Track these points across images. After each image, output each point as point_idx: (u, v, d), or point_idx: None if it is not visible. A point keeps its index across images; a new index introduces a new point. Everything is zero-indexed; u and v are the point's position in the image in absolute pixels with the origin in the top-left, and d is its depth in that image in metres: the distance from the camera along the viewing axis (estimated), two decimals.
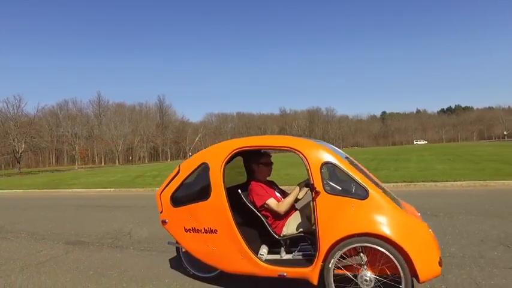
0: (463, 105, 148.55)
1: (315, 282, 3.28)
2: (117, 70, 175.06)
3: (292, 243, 3.82)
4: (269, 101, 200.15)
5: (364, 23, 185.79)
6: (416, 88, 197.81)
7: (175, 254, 4.61)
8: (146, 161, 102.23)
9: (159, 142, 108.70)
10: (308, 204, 3.81)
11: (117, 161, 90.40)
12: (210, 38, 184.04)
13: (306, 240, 3.85)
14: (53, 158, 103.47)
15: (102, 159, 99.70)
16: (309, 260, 3.51)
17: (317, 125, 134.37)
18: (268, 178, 4.12)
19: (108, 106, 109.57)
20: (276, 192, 3.94)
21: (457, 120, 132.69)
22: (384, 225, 3.08)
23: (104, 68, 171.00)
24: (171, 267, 4.81)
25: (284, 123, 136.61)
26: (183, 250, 4.36)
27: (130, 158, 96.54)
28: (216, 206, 3.64)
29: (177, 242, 4.26)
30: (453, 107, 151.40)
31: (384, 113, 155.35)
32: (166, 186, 4.02)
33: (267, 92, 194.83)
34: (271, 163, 4.05)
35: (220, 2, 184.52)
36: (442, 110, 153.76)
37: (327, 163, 3.34)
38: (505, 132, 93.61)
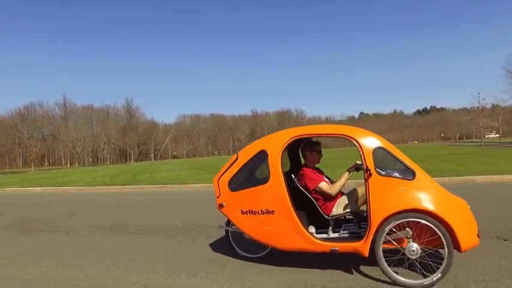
0: (438, 107, 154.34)
1: (366, 254, 3.73)
2: (87, 72, 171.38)
3: (336, 224, 4.25)
4: (243, 102, 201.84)
5: (343, 24, 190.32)
6: (395, 89, 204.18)
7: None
8: (109, 162, 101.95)
9: (121, 143, 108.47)
10: (353, 189, 4.28)
11: (76, 163, 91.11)
12: (183, 38, 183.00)
13: (349, 221, 4.30)
14: (6, 160, 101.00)
15: (68, 161, 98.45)
16: (356, 236, 3.96)
17: (287, 126, 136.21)
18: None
19: (74, 108, 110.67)
20: (324, 177, 4.38)
21: (423, 122, 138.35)
22: (429, 202, 3.58)
23: (74, 70, 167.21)
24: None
25: (255, 124, 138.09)
26: (232, 233, 4.73)
27: (91, 160, 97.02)
28: (275, 189, 4.03)
29: (227, 225, 4.63)
30: (428, 108, 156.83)
31: (361, 113, 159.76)
32: (224, 172, 4.38)
33: (241, 93, 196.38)
34: (321, 151, 4.49)
35: (192, 1, 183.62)
36: (418, 111, 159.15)
37: (378, 148, 3.81)
38: (443, 135, 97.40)
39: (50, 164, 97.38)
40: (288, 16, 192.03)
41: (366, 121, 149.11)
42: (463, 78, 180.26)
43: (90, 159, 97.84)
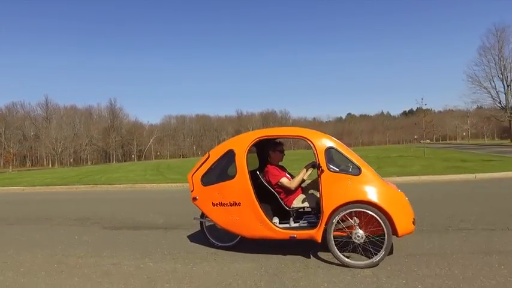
0: (424, 108, 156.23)
1: (319, 240, 4.30)
2: (72, 73, 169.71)
3: (297, 215, 4.82)
4: (229, 102, 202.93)
5: (332, 25, 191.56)
6: (383, 90, 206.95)
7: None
8: (90, 163, 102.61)
9: (101, 144, 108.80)
10: (311, 183, 4.86)
11: (56, 164, 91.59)
12: (168, 39, 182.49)
13: (309, 213, 4.88)
14: None
15: (50, 162, 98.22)
16: (313, 225, 4.53)
17: (271, 127, 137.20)
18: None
19: (57, 109, 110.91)
20: (286, 174, 4.94)
21: (408, 123, 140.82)
22: (372, 194, 4.18)
23: (58, 71, 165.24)
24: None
25: (240, 125, 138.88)
26: (206, 225, 5.26)
27: (72, 160, 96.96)
28: (241, 184, 4.58)
29: (201, 217, 5.16)
30: (414, 110, 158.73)
31: (349, 114, 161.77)
32: (197, 169, 4.91)
33: (227, 94, 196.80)
34: (283, 151, 5.06)
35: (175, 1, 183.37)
36: (404, 113, 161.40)
37: (330, 148, 4.40)
38: (415, 137, 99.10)
39: (32, 165, 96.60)
40: (273, 16, 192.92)
41: (351, 122, 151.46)
42: (448, 79, 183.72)
43: (72, 160, 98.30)
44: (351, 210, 4.19)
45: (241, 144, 4.70)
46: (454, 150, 35.98)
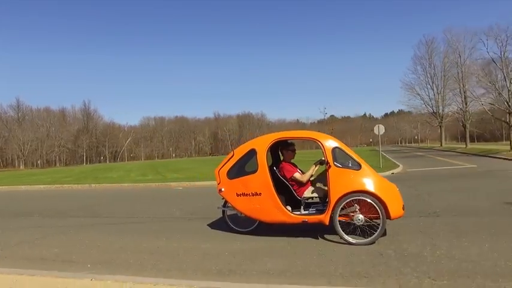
0: (406, 110, 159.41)
1: (327, 223, 5.26)
2: (48, 74, 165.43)
3: (306, 205, 5.77)
4: (207, 104, 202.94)
5: (311, 26, 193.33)
6: (365, 92, 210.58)
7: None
8: (58, 164, 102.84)
9: (71, 146, 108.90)
10: (319, 177, 5.84)
11: (22, 165, 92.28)
12: (149, 41, 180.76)
13: (316, 203, 5.84)
14: None
15: (21, 163, 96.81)
16: (321, 211, 5.50)
17: (247, 129, 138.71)
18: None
19: (30, 110, 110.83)
20: (298, 169, 5.91)
21: (386, 125, 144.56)
22: (370, 185, 5.18)
23: (32, 72, 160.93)
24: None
25: (216, 127, 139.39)
26: (228, 213, 6.17)
27: (39, 162, 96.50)
28: (262, 177, 5.51)
29: (223, 206, 6.05)
30: (396, 112, 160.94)
31: (332, 116, 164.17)
32: (223, 165, 5.82)
33: (205, 96, 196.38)
34: (295, 150, 6.04)
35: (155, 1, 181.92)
36: (386, 114, 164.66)
37: (335, 147, 5.39)
38: (371, 140, 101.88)
39: (3, 166, 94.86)
40: (253, 18, 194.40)
41: (328, 124, 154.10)
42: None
43: (39, 162, 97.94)
44: (353, 198, 5.18)
45: (262, 144, 5.64)
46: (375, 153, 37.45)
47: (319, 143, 5.46)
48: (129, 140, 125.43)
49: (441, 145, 55.28)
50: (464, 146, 41.21)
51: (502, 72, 30.72)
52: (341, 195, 5.19)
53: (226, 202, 6.13)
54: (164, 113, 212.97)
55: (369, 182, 5.22)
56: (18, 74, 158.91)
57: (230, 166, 5.81)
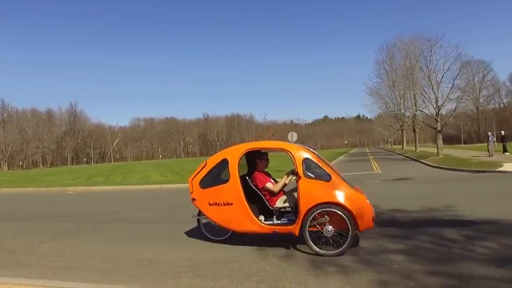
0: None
1: (297, 234, 5.30)
2: (35, 75, 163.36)
3: (280, 214, 5.80)
4: (196, 105, 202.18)
5: (303, 27, 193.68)
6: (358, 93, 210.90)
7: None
8: (41, 165, 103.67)
9: (54, 147, 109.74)
10: (292, 188, 5.87)
11: (6, 166, 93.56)
12: (139, 41, 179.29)
13: (289, 212, 5.87)
14: None
15: (6, 165, 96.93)
16: (292, 222, 5.54)
17: (236, 130, 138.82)
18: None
19: (16, 112, 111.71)
20: (271, 179, 5.95)
21: (361, 127, 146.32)
22: (339, 197, 5.22)
23: (21, 73, 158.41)
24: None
25: (205, 128, 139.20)
26: (203, 222, 6.18)
27: (21, 163, 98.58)
28: (233, 187, 5.54)
29: (198, 215, 6.08)
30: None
31: (325, 117, 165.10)
32: (196, 174, 5.83)
33: (195, 97, 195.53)
34: (268, 159, 6.08)
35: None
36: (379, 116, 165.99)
37: (306, 159, 5.43)
38: (346, 142, 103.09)
39: None
40: (244, 18, 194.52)
41: (317, 127, 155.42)
42: None
43: (21, 163, 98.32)
44: (322, 210, 5.22)
45: (233, 154, 5.67)
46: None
47: (290, 154, 5.50)
48: (116, 141, 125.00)
49: (402, 148, 57.02)
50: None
51: (430, 80, 31.80)
52: (310, 207, 5.23)
53: (200, 211, 6.14)
54: (154, 113, 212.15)
55: (338, 193, 5.26)
56: (6, 75, 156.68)
57: (203, 175, 5.82)
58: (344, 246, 5.12)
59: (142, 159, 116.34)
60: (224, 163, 5.70)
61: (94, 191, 18.12)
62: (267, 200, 5.77)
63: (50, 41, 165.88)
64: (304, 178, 5.32)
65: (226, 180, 5.62)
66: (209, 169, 5.82)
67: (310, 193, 5.28)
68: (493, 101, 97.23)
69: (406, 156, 36.11)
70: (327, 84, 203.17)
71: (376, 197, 8.10)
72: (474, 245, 5.23)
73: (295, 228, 5.32)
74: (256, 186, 5.81)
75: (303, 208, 5.24)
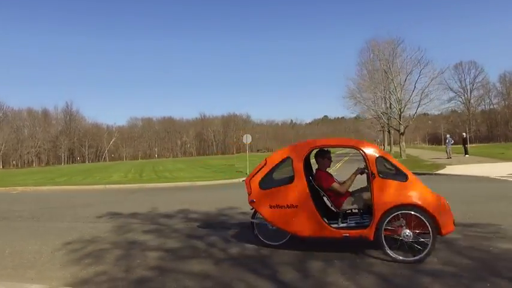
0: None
1: (372, 238, 4.79)
2: (31, 75, 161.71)
3: (343, 217, 5.31)
4: (193, 105, 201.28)
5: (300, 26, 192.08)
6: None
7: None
8: (35, 164, 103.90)
9: (50, 147, 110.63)
10: (359, 188, 5.37)
11: (1, 165, 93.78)
12: (135, 43, 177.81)
13: (353, 214, 5.38)
14: None
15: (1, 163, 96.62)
16: (361, 225, 5.03)
17: (232, 130, 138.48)
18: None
19: (11, 111, 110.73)
20: (335, 178, 5.43)
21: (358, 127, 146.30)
22: (419, 198, 4.73)
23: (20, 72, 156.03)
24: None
25: (202, 128, 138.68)
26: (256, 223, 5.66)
27: (14, 162, 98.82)
28: (299, 188, 5.02)
29: (252, 217, 5.58)
30: None
31: (325, 117, 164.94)
32: (254, 174, 5.31)
33: (191, 96, 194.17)
34: (331, 158, 5.58)
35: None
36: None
37: (379, 157, 4.94)
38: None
39: None
40: (243, 17, 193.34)
41: (316, 126, 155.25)
42: None
43: (14, 162, 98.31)
44: (400, 212, 4.73)
45: (298, 152, 5.16)
46: None
47: (362, 152, 5.01)
48: (112, 140, 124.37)
49: (383, 148, 55.99)
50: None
51: (393, 82, 32.38)
52: (387, 209, 4.74)
53: (255, 213, 5.64)
54: (152, 113, 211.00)
55: (417, 194, 4.77)
56: (3, 74, 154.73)
57: (263, 175, 5.30)
58: (425, 252, 4.64)
59: (138, 159, 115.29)
60: (287, 162, 5.19)
61: (38, 191, 18.70)
62: (332, 202, 5.27)
63: (50, 41, 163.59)
64: (378, 178, 4.83)
65: (290, 181, 5.10)
66: (270, 168, 5.30)
67: (386, 194, 4.78)
68: (482, 103, 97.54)
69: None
70: (328, 84, 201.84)
71: None
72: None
73: (369, 232, 4.82)
74: (320, 186, 5.30)
75: (378, 210, 4.75)
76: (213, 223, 7.80)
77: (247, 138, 22.36)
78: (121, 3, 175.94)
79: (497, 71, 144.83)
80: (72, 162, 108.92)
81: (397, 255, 4.71)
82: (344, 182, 5.38)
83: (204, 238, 6.43)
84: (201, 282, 4.34)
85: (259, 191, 5.26)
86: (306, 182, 5.03)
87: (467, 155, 27.36)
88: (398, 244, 4.83)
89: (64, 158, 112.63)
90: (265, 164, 5.34)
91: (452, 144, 27.69)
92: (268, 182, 5.27)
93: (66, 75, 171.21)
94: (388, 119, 41.08)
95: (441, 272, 4.34)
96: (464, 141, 29.94)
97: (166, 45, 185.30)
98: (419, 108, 32.95)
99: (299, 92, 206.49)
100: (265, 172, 5.29)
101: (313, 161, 5.77)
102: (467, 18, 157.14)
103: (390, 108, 38.62)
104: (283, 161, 5.23)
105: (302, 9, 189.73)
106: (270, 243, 5.57)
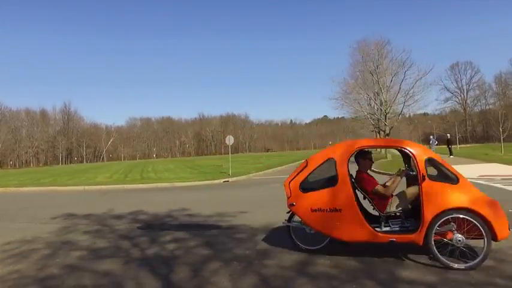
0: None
1: (421, 243, 4.52)
2: (29, 75, 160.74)
3: (385, 220, 5.03)
4: (193, 105, 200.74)
5: (296, 26, 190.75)
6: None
7: None
8: (32, 165, 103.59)
9: (48, 147, 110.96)
10: (402, 191, 5.10)
11: None
12: (134, 43, 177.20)
13: (396, 218, 5.10)
14: None
15: None
16: (407, 229, 4.76)
17: (230, 130, 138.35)
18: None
19: (9, 111, 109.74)
20: (377, 181, 5.16)
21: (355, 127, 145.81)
22: (471, 201, 4.46)
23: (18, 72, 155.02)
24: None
25: (200, 128, 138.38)
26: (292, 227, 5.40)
27: (12, 162, 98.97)
28: (343, 191, 4.76)
29: (288, 221, 5.34)
30: None
31: (325, 116, 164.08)
32: (294, 177, 5.04)
33: (191, 97, 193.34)
34: (372, 159, 5.35)
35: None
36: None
37: (429, 158, 4.68)
38: (330, 142, 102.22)
39: None
40: (241, 17, 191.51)
41: (315, 126, 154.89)
42: None
43: (11, 162, 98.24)
44: (451, 216, 4.46)
45: (342, 153, 4.89)
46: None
47: (410, 153, 4.75)
48: (111, 141, 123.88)
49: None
50: None
51: (378, 83, 32.46)
52: (438, 213, 4.48)
53: (291, 217, 5.38)
54: (151, 113, 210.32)
55: (469, 197, 4.52)
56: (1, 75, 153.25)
57: (304, 177, 5.03)
58: (480, 258, 4.38)
59: (136, 159, 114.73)
60: (330, 163, 4.92)
61: (18, 192, 18.94)
62: (375, 205, 5.01)
63: (48, 41, 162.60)
64: (428, 180, 4.57)
65: (333, 183, 4.84)
66: (311, 170, 5.03)
67: (436, 197, 4.53)
68: (479, 103, 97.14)
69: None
70: (327, 84, 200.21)
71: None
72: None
73: (417, 237, 4.55)
74: (363, 188, 5.04)
75: (428, 214, 4.49)
76: (154, 224, 7.95)
77: (229, 140, 22.30)
78: (120, 3, 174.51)
79: (493, 71, 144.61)
80: (70, 163, 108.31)
81: (448, 262, 4.45)
82: (386, 185, 5.11)
83: (134, 239, 6.57)
84: (98, 280, 4.53)
85: (300, 194, 5.00)
86: (350, 185, 4.77)
87: (451, 156, 27.07)
88: (448, 250, 4.57)
89: (62, 158, 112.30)
90: (306, 166, 5.07)
91: (436, 145, 27.34)
92: (310, 185, 5.01)
93: (64, 75, 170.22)
94: (376, 120, 40.95)
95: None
96: (448, 142, 29.63)
97: (165, 45, 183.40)
98: (404, 109, 32.85)
99: (298, 92, 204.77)
100: (306, 174, 5.02)
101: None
102: (464, 19, 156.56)
103: (376, 109, 38.52)
104: (325, 163, 4.97)
105: (302, 9, 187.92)
106: (307, 247, 5.31)
